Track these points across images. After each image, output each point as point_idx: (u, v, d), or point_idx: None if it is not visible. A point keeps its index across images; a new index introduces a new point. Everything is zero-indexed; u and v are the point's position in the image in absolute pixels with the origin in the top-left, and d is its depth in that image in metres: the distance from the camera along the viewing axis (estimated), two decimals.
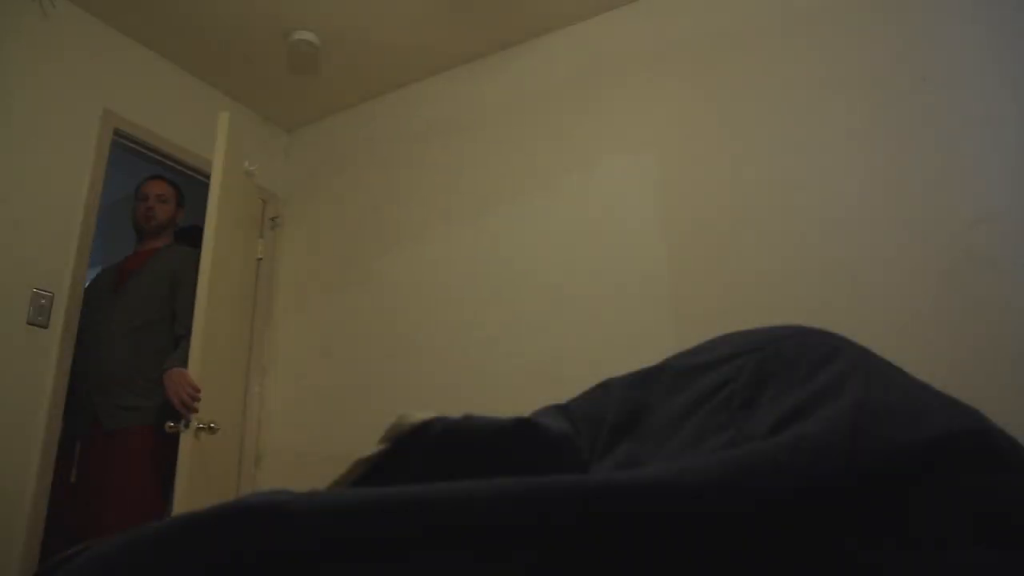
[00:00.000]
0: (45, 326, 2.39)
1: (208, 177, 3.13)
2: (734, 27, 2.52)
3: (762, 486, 0.38)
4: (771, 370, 0.56)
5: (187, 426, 2.25)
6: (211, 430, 2.35)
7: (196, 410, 2.26)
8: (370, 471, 0.56)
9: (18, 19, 2.48)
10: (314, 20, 2.85)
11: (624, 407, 0.64)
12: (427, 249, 2.96)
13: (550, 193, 2.73)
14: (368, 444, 0.57)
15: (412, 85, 3.29)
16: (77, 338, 2.45)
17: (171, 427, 2.29)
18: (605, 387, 0.71)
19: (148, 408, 2.38)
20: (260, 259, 3.32)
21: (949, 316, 1.95)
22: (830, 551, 0.38)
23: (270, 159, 3.47)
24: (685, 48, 2.61)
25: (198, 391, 2.28)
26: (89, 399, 2.38)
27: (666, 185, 2.50)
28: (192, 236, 3.49)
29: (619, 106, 2.69)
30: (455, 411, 0.60)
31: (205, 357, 2.36)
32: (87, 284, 2.60)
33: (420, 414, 0.56)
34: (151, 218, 2.65)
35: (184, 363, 2.34)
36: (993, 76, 2.06)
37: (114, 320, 2.48)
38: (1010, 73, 2.04)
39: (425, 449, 0.54)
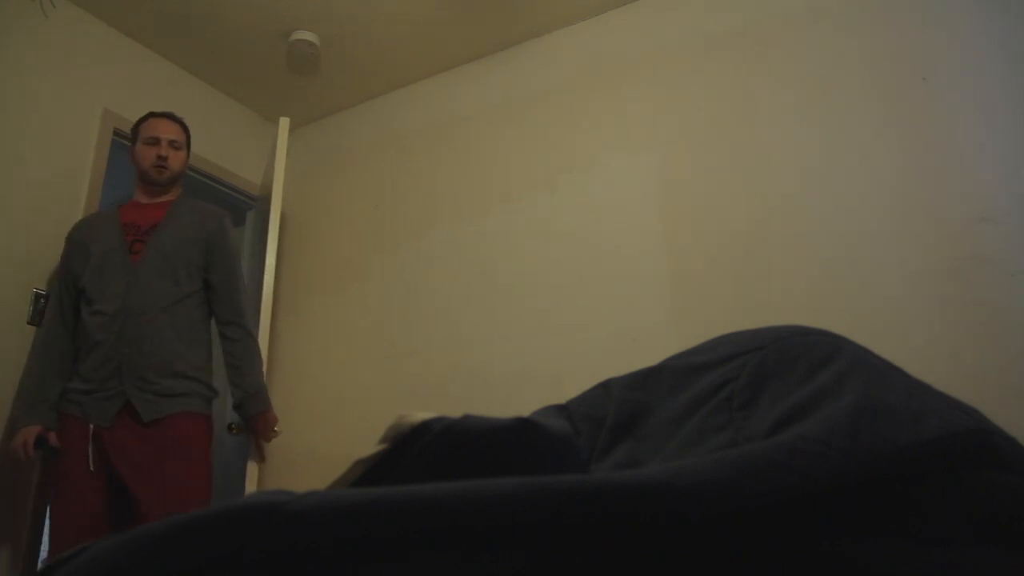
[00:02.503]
0: None
1: (208, 177, 3.15)
2: (734, 27, 2.52)
3: (760, 486, 0.38)
4: (771, 370, 0.56)
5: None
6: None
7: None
8: (369, 471, 0.56)
9: (18, 19, 2.48)
10: (314, 20, 2.85)
11: (624, 407, 0.64)
12: (427, 249, 2.96)
13: (550, 193, 2.73)
14: (368, 444, 0.57)
15: (412, 85, 3.29)
16: (76, 309, 2.13)
17: (234, 429, 2.27)
18: (605, 387, 0.71)
19: (193, 396, 2.08)
20: None
21: (949, 316, 1.95)
22: (830, 552, 0.38)
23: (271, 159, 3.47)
24: (685, 48, 2.61)
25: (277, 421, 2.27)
26: (113, 385, 2.00)
27: (666, 185, 2.50)
28: None
29: (619, 106, 2.69)
30: (455, 411, 0.60)
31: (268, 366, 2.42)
32: (71, 237, 2.22)
33: (420, 414, 0.56)
34: (163, 169, 2.21)
35: (263, 390, 2.21)
36: (994, 75, 2.06)
37: (140, 293, 2.06)
38: (1010, 73, 2.04)
39: (424, 449, 0.54)
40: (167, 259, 2.13)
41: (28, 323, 2.34)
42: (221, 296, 2.20)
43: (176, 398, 2.04)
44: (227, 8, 2.77)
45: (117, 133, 2.76)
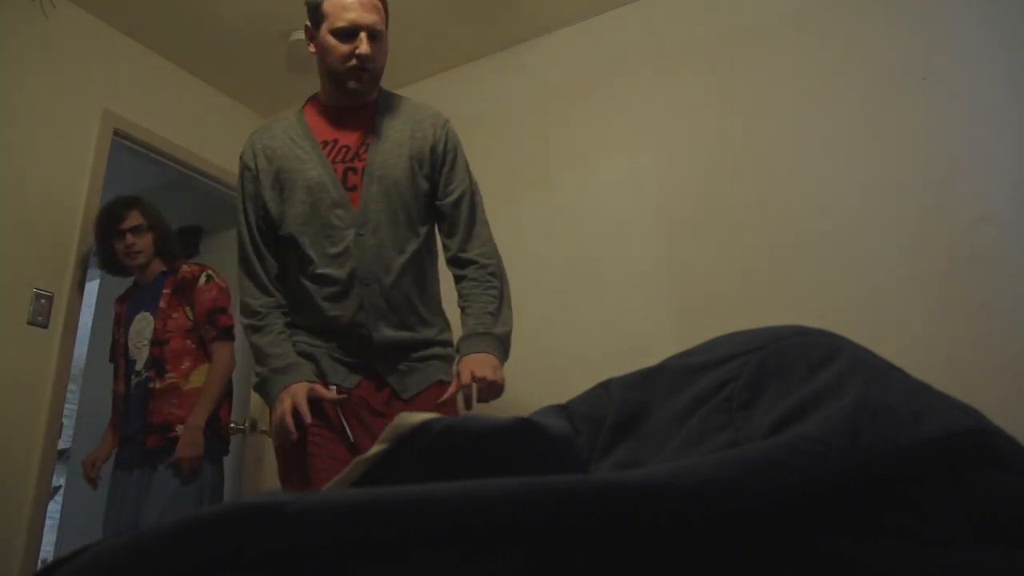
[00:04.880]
0: (45, 326, 2.39)
1: (207, 176, 3.15)
2: (734, 27, 2.52)
3: (760, 486, 0.38)
4: (771, 370, 0.56)
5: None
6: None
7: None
8: (370, 471, 0.56)
9: (18, 19, 2.48)
10: None
11: (624, 407, 0.64)
12: None
13: (551, 192, 2.74)
14: None
15: (412, 85, 3.29)
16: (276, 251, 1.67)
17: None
18: (605, 387, 0.71)
19: (444, 360, 1.70)
20: None
21: (949, 316, 1.95)
22: (830, 552, 0.38)
23: None
24: (685, 48, 2.61)
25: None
26: (354, 357, 1.62)
27: (667, 184, 2.51)
28: (194, 236, 3.50)
29: (620, 106, 2.69)
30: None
31: None
32: (255, 163, 1.64)
33: (419, 415, 0.56)
34: (363, 73, 1.65)
35: (502, 347, 1.61)
36: (994, 75, 2.06)
37: (374, 249, 1.60)
38: (1011, 72, 2.04)
39: (424, 449, 0.54)
40: (391, 194, 1.62)
41: (28, 323, 2.34)
42: (456, 224, 1.70)
43: (429, 367, 1.67)
44: (227, 8, 2.77)
45: (117, 133, 2.76)
